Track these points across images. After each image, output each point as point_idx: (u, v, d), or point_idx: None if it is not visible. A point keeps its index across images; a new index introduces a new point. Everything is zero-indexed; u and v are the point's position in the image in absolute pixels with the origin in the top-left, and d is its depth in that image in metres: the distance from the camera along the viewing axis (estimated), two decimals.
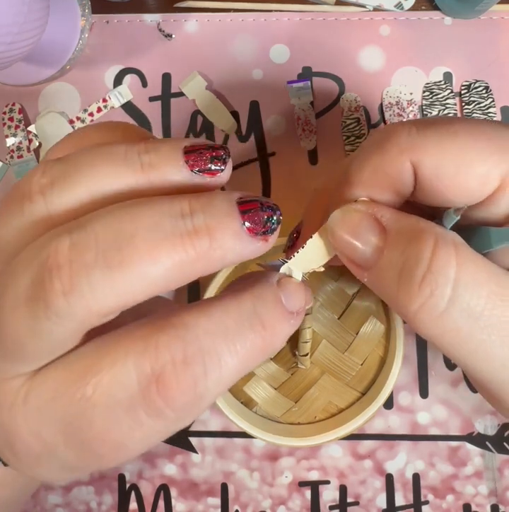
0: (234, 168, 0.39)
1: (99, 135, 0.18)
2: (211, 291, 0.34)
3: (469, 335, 0.16)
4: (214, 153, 0.16)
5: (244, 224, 0.15)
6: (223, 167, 0.16)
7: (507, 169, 0.17)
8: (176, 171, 0.16)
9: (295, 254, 0.19)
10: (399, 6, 0.39)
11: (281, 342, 0.16)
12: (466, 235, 0.18)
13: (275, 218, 0.16)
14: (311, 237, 0.19)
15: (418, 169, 0.17)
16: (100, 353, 0.15)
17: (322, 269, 0.19)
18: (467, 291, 0.15)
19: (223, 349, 0.15)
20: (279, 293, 0.17)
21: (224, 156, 0.16)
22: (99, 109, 0.40)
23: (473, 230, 0.18)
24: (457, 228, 0.18)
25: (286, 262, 0.19)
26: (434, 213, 0.21)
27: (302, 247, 0.19)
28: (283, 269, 0.19)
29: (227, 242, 0.15)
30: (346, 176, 0.19)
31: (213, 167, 0.16)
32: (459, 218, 0.17)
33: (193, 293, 0.40)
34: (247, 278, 0.17)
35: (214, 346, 0.15)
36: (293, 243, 0.24)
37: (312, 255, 0.19)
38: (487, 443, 0.39)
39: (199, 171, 0.16)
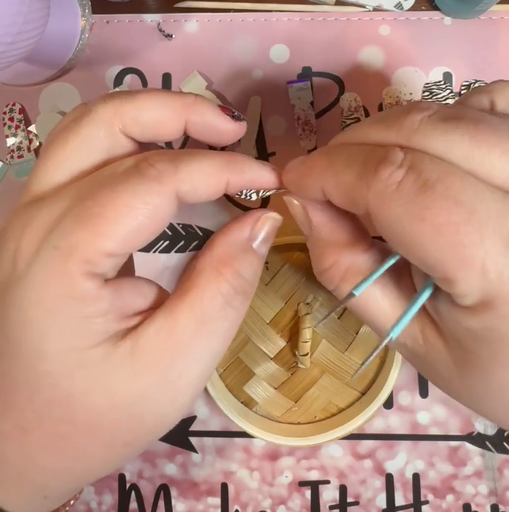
0: None
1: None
2: None
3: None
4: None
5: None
6: (241, 117, 0.23)
7: (455, 277, 0.16)
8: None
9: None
10: (399, 6, 0.39)
11: None
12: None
13: (242, 116, 0.23)
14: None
15: (371, 214, 0.18)
16: None
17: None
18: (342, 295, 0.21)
19: None
20: None
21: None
22: None
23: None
24: None
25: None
26: None
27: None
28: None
29: (207, 109, 0.22)
30: (326, 168, 0.20)
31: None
32: None
33: None
34: None
35: None
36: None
37: None
38: (487, 442, 0.39)
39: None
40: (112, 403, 0.19)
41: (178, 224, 0.40)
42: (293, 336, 0.37)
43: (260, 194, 0.22)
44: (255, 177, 0.22)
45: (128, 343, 0.19)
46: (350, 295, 0.19)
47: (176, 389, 0.20)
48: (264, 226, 0.22)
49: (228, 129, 0.22)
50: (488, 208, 0.16)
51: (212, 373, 0.22)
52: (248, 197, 0.22)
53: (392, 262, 0.20)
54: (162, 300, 0.21)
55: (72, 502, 0.25)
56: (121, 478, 0.41)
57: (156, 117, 0.21)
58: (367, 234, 0.22)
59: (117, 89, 0.40)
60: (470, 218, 0.15)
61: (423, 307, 0.19)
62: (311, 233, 0.22)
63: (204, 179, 0.20)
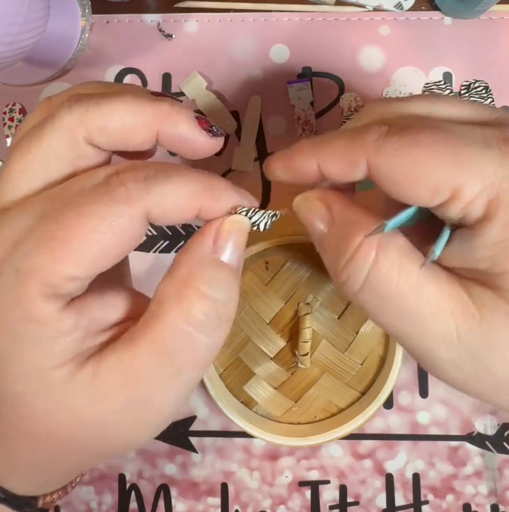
0: (234, 169, 0.39)
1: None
2: None
3: (375, 313, 0.20)
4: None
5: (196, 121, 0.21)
6: (218, 132, 0.21)
7: (459, 184, 0.18)
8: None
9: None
10: (399, 6, 0.39)
11: None
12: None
13: (220, 131, 0.21)
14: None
15: (371, 169, 0.19)
16: None
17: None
18: (377, 281, 0.19)
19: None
20: None
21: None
22: None
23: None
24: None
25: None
26: None
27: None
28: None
29: (182, 121, 0.20)
30: (318, 143, 0.21)
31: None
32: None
33: None
34: None
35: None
36: None
37: None
38: (487, 442, 0.39)
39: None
40: (78, 421, 0.19)
41: (178, 224, 0.40)
42: (293, 336, 0.37)
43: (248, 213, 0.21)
44: (233, 205, 0.20)
45: (90, 366, 0.19)
46: (382, 225, 0.19)
47: (141, 416, 0.20)
48: (229, 234, 0.20)
49: (203, 144, 0.21)
50: (458, 129, 0.19)
51: (190, 395, 0.21)
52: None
53: (411, 210, 0.20)
54: (137, 308, 0.20)
55: (78, 478, 0.26)
56: (121, 478, 0.41)
57: (124, 126, 0.20)
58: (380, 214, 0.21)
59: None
60: (450, 135, 0.18)
61: (454, 279, 0.20)
62: (330, 228, 0.21)
63: (176, 205, 0.19)
